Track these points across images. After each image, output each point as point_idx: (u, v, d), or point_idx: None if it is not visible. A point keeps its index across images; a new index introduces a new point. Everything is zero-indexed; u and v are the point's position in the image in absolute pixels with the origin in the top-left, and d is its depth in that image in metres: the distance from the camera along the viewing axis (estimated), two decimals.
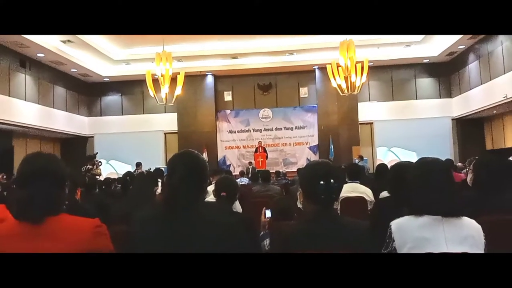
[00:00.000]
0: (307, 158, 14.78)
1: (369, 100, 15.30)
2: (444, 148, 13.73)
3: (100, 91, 16.09)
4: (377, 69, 14.58)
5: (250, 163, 13.99)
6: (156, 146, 15.27)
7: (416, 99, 15.25)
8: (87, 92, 15.92)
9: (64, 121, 14.17)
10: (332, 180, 1.75)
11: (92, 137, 15.61)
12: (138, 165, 11.95)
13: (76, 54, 13.01)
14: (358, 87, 11.16)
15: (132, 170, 10.35)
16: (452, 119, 14.76)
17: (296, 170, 11.08)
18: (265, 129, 15.63)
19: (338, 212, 3.01)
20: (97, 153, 13.14)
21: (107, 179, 7.34)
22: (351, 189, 4.38)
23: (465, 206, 1.75)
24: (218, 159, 15.33)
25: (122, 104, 16.22)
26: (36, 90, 12.93)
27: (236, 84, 15.77)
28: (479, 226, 1.70)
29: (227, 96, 15.87)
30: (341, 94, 11.71)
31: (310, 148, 15.43)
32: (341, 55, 10.59)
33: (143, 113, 15.91)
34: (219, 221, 1.57)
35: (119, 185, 6.29)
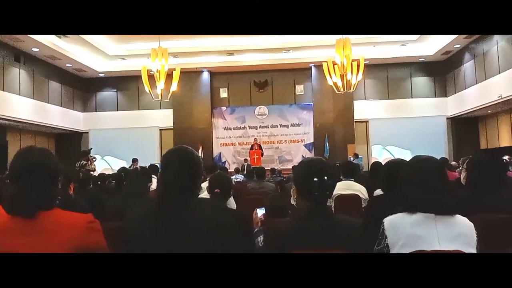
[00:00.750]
0: (303, 156, 14.77)
1: (365, 98, 15.33)
2: (438, 147, 13.79)
3: (95, 87, 16.00)
4: (373, 68, 14.61)
5: (245, 160, 14.00)
6: (151, 142, 15.23)
7: (412, 97, 15.29)
8: (82, 87, 15.83)
9: (58, 116, 14.09)
10: (326, 177, 1.75)
11: (87, 132, 15.53)
12: (134, 161, 11.91)
13: (71, 49, 12.93)
14: (354, 85, 11.18)
15: (127, 166, 10.32)
16: (447, 118, 14.82)
17: (291, 167, 11.11)
18: (260, 126, 15.63)
19: (332, 209, 3.03)
20: (91, 148, 13.07)
21: (101, 174, 7.32)
22: (346, 187, 4.38)
23: (458, 204, 1.76)
24: (214, 156, 15.32)
25: (117, 100, 16.15)
26: (30, 84, 12.84)
27: (232, 81, 15.75)
28: (471, 224, 1.72)
29: (223, 93, 15.84)
30: (337, 92, 11.72)
31: (305, 145, 15.45)
32: (337, 53, 10.59)
33: (138, 109, 15.85)
34: (213, 218, 1.57)
35: (114, 181, 6.27)
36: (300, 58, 14.44)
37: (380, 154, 14.77)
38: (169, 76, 11.22)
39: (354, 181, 4.56)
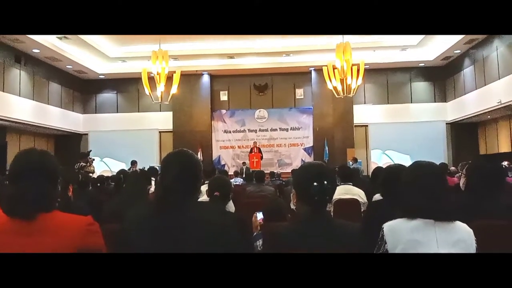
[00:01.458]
0: (302, 159, 14.80)
1: (365, 103, 15.34)
2: (438, 152, 13.78)
3: (95, 88, 16.01)
4: (373, 72, 14.63)
5: (244, 163, 13.98)
6: (150, 145, 15.23)
7: (411, 102, 15.32)
8: (82, 89, 15.84)
9: (58, 117, 14.09)
10: (325, 182, 1.74)
11: (87, 134, 15.53)
12: (133, 163, 11.90)
13: (72, 51, 12.94)
14: (354, 89, 11.18)
15: (126, 168, 10.31)
16: (447, 123, 14.83)
17: (291, 171, 11.10)
18: (260, 130, 15.63)
19: (331, 214, 3.02)
20: (90, 150, 13.05)
21: (100, 176, 7.32)
22: (345, 191, 4.38)
23: (457, 210, 1.76)
24: (213, 159, 15.31)
25: (117, 102, 16.15)
26: (30, 86, 12.85)
27: (232, 84, 15.76)
28: (470, 231, 1.72)
29: (223, 96, 15.85)
30: (337, 96, 11.73)
31: (305, 149, 15.45)
32: (337, 57, 10.61)
33: (138, 111, 15.86)
34: (212, 221, 1.57)
35: (113, 183, 6.26)
36: (300, 62, 14.46)
37: (380, 158, 14.77)
38: (169, 78, 11.22)
39: (353, 185, 4.56)
